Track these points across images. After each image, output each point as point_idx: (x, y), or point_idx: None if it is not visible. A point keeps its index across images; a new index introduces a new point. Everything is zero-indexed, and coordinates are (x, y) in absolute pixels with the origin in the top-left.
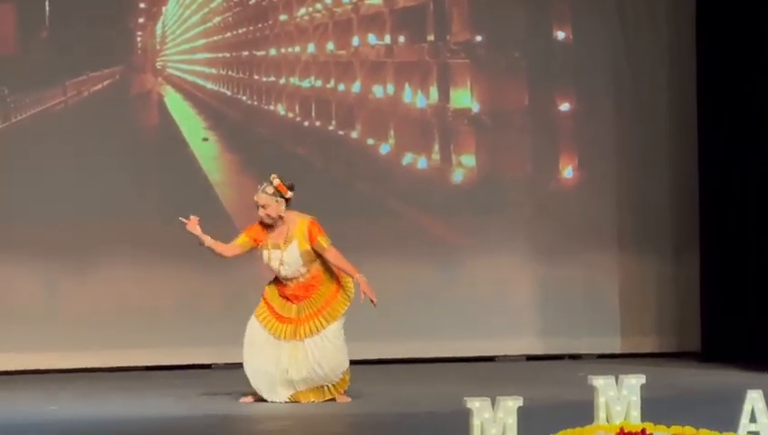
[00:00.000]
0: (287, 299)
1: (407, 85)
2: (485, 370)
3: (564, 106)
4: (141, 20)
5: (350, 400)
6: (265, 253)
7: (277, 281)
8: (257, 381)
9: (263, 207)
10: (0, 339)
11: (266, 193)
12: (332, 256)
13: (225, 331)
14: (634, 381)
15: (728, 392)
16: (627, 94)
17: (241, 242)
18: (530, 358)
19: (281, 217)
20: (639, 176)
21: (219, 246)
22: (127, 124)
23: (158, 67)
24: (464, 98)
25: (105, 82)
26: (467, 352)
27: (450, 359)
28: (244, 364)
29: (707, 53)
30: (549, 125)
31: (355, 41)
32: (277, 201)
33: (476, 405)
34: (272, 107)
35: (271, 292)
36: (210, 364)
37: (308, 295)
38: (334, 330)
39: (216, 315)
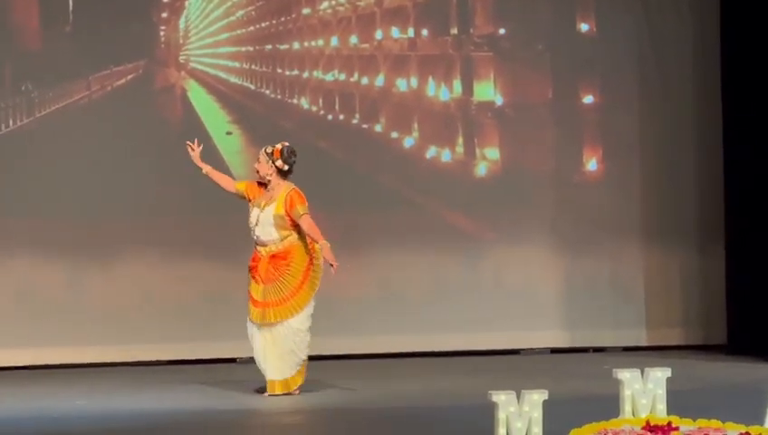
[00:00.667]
0: (257, 280)
1: (430, 78)
2: (510, 363)
3: (588, 98)
4: (164, 14)
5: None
6: (250, 209)
7: (252, 257)
8: (266, 369)
9: (257, 161)
10: (27, 334)
11: (266, 152)
12: (306, 223)
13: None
14: (660, 375)
15: (755, 385)
16: (651, 86)
17: (238, 185)
18: (554, 351)
19: (269, 180)
20: (664, 168)
21: (217, 176)
22: (150, 118)
23: (182, 61)
24: (487, 91)
25: (129, 77)
26: (492, 345)
27: (475, 352)
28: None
29: (732, 42)
30: (573, 118)
31: (378, 34)
32: (268, 163)
33: (502, 398)
34: (295, 101)
35: (250, 278)
36: (235, 358)
37: (277, 277)
38: (299, 320)
39: (241, 309)
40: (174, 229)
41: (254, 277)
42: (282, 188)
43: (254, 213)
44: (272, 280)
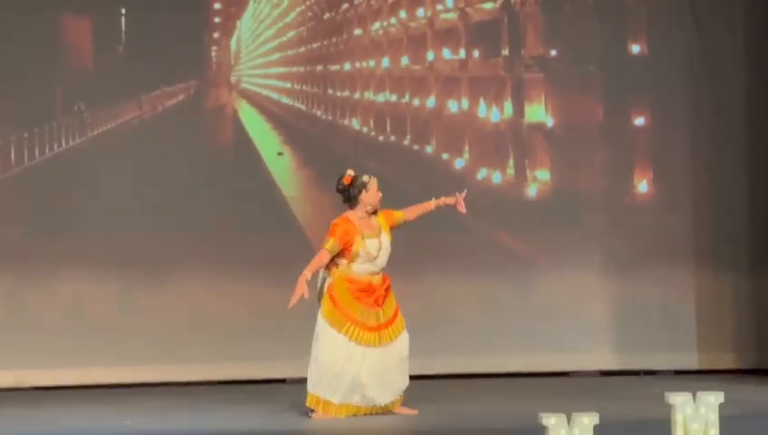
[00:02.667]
0: (369, 306)
1: (481, 100)
2: (560, 385)
3: (639, 120)
4: (216, 35)
5: (416, 411)
6: (363, 244)
7: (351, 288)
8: (344, 391)
9: (376, 189)
10: (75, 353)
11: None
12: (410, 212)
13: (299, 345)
14: (712, 399)
15: None
16: (703, 107)
17: (330, 247)
18: (604, 373)
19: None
20: (715, 190)
21: (317, 266)
22: (202, 138)
23: (233, 81)
24: (538, 112)
25: (180, 97)
26: (542, 367)
27: (524, 374)
28: (328, 379)
29: None
30: (624, 139)
31: (430, 55)
32: None
33: (552, 422)
34: (346, 121)
35: (347, 302)
36: (284, 379)
37: (386, 298)
38: (407, 336)
39: (291, 330)
40: (224, 248)
41: (365, 303)
42: (375, 215)
43: (373, 243)
44: (384, 301)
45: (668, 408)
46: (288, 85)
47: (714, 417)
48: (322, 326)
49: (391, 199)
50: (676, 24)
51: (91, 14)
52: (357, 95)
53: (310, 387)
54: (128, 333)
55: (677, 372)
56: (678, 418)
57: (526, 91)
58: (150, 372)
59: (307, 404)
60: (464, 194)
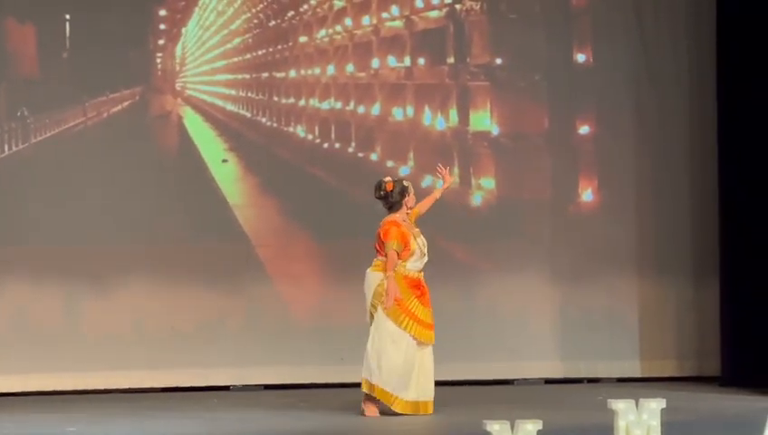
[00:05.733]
0: (424, 304)
1: (426, 107)
2: (504, 393)
3: (584, 129)
4: (161, 41)
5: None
6: (417, 242)
7: (406, 283)
8: (413, 387)
9: (411, 195)
10: (19, 360)
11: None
12: (422, 206)
13: (243, 352)
14: (654, 405)
15: (749, 417)
16: (647, 116)
17: (397, 246)
18: (549, 381)
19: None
20: (659, 199)
21: (393, 265)
22: (146, 145)
23: (178, 88)
24: (483, 120)
25: (125, 104)
26: (486, 374)
27: (469, 382)
28: (402, 378)
29: (729, 74)
30: (568, 148)
31: (375, 63)
32: None
33: (496, 428)
34: (291, 129)
35: (413, 303)
36: (229, 386)
37: (428, 298)
38: None
39: (235, 337)
40: (169, 256)
41: (423, 303)
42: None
43: (422, 240)
44: (429, 301)
45: (611, 414)
46: (233, 92)
47: (656, 423)
48: (388, 326)
49: (335, 206)
50: (620, 33)
51: (35, 20)
52: (302, 102)
53: (380, 383)
54: (72, 341)
55: (620, 380)
56: (621, 424)
57: (471, 99)
58: (94, 380)
59: (376, 396)
60: (444, 169)
